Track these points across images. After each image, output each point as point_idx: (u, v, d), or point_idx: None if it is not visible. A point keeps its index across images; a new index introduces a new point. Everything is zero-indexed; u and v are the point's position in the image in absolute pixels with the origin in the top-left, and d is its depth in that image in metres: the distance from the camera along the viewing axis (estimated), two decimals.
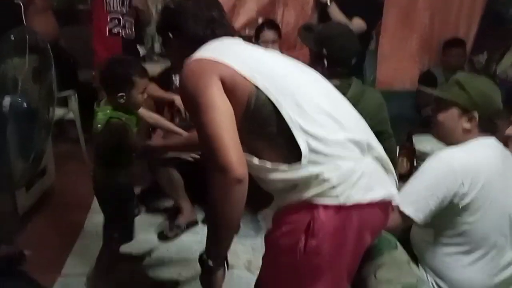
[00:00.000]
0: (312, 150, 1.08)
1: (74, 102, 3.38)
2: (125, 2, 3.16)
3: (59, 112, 3.32)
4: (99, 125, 1.77)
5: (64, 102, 3.41)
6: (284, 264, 1.16)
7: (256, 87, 1.11)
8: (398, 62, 3.89)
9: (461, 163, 1.37)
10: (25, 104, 1.45)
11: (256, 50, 1.27)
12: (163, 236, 2.57)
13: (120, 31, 3.16)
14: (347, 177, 1.08)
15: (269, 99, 1.10)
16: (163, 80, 3.00)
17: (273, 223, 1.21)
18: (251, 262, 2.28)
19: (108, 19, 3.13)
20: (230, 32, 1.32)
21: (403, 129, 2.47)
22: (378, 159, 1.19)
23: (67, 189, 3.00)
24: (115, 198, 1.95)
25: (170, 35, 1.33)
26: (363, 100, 2.05)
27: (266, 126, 1.11)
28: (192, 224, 2.62)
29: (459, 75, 1.53)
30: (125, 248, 2.42)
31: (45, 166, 2.77)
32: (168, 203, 2.85)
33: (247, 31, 3.75)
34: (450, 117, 1.47)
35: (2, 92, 1.44)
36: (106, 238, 2.06)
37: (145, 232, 2.62)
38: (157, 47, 3.83)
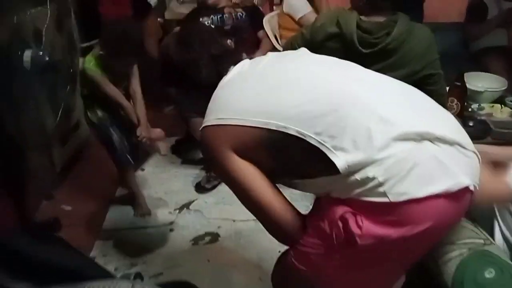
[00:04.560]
0: (352, 164, 0.96)
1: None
2: None
3: None
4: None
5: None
6: (324, 255, 1.06)
7: (268, 129, 1.02)
8: None
9: None
10: (47, 57, 1.34)
11: (261, 75, 1.13)
12: (200, 188, 2.53)
13: None
14: (395, 170, 0.94)
15: (287, 134, 1.00)
16: (191, 23, 2.83)
17: (314, 209, 1.15)
18: None
19: None
20: (235, 58, 1.23)
21: (450, 66, 2.25)
22: (439, 139, 0.99)
23: None
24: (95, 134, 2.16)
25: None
26: (411, 39, 1.84)
27: (296, 155, 1.03)
28: None
29: None
30: (160, 200, 2.43)
31: (78, 120, 2.72)
32: None
33: None
34: None
35: (22, 46, 1.33)
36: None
37: (181, 184, 2.60)
38: None
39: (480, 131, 2.14)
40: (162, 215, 2.33)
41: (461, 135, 1.03)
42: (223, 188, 2.50)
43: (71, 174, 2.66)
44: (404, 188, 0.93)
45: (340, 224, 0.98)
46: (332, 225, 0.99)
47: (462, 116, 2.26)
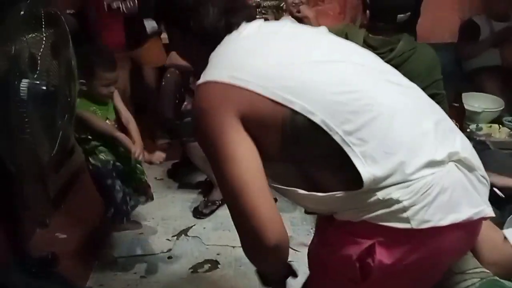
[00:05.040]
0: (378, 178, 0.85)
1: None
2: None
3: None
4: None
5: None
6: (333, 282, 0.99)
7: (292, 109, 0.86)
8: (435, 12, 3.58)
9: None
10: (44, 86, 1.31)
11: (286, 43, 0.96)
12: (198, 213, 2.49)
13: (120, 6, 2.77)
14: (421, 195, 0.86)
15: (311, 121, 0.86)
16: None
17: (320, 232, 1.07)
18: (292, 238, 2.17)
19: None
20: (249, 13, 1.03)
21: (444, 85, 2.26)
22: (462, 162, 0.92)
23: None
24: (94, 180, 2.06)
25: (170, 28, 1.09)
26: (414, 58, 1.85)
27: (312, 150, 0.89)
28: None
29: None
30: (158, 226, 2.37)
31: (73, 145, 2.67)
32: (201, 177, 2.75)
33: None
34: None
35: (19, 74, 1.30)
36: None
37: (178, 209, 2.55)
38: None
39: (479, 152, 2.14)
40: (160, 242, 2.28)
41: (476, 157, 0.99)
42: (222, 213, 2.46)
43: (66, 200, 2.60)
44: (429, 216, 0.86)
45: (357, 265, 0.90)
46: (347, 265, 0.91)
47: None
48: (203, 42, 0.99)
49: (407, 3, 1.84)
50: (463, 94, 2.35)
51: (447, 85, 2.27)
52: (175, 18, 1.04)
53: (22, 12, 1.26)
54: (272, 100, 0.86)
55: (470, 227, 0.94)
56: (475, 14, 3.55)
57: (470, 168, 0.94)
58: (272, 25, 1.05)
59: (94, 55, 1.90)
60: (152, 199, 2.22)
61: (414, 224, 0.86)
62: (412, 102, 0.95)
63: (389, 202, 0.85)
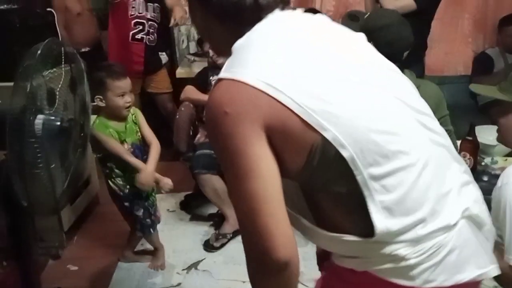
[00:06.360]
0: (391, 232, 0.81)
1: None
2: (148, 7, 3.03)
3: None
4: None
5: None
6: None
7: (323, 137, 0.78)
8: (449, 45, 3.61)
9: None
10: (58, 122, 1.36)
11: (330, 54, 0.85)
12: (209, 246, 2.47)
13: (144, 37, 3.04)
14: (429, 256, 0.83)
15: (340, 155, 0.79)
16: (201, 81, 2.89)
17: (326, 278, 1.03)
18: (303, 273, 2.12)
19: (132, 24, 2.99)
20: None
21: (459, 119, 2.24)
22: (473, 219, 0.89)
23: None
24: (113, 200, 2.15)
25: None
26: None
27: (332, 184, 0.82)
28: (238, 232, 2.50)
29: None
30: (169, 258, 2.36)
31: (88, 176, 2.73)
32: (213, 209, 2.75)
33: None
34: None
35: (35, 110, 1.35)
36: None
37: (190, 242, 2.54)
38: (192, 46, 3.71)
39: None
40: (170, 275, 2.26)
41: (485, 209, 0.95)
42: (233, 247, 2.44)
43: (79, 232, 2.63)
44: (434, 276, 0.84)
45: None
46: None
47: (476, 171, 2.22)
48: (222, 19, 0.87)
49: (408, 39, 1.85)
50: (477, 127, 2.32)
51: (461, 118, 2.26)
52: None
53: (39, 52, 1.30)
54: (306, 122, 0.77)
55: (473, 284, 0.91)
56: (489, 47, 3.57)
57: (479, 225, 0.91)
58: (313, 22, 0.91)
59: (102, 69, 2.00)
60: (159, 222, 2.29)
61: (418, 283, 0.83)
62: (440, 152, 0.90)
63: (396, 257, 0.82)
